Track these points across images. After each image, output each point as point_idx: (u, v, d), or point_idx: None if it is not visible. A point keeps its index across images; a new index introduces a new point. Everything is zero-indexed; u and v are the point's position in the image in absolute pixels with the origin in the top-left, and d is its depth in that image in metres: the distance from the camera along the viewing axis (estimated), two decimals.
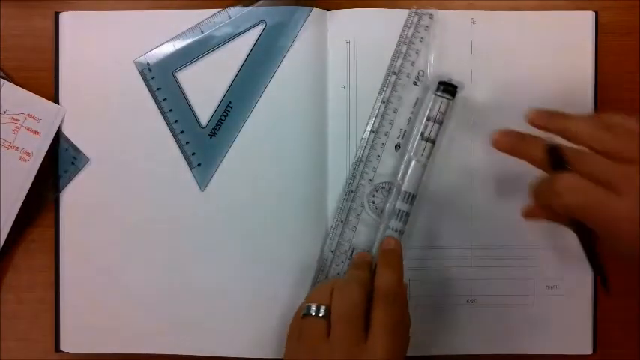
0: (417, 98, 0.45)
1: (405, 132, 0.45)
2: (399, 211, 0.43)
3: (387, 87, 0.45)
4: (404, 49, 0.45)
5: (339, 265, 0.44)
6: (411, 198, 0.43)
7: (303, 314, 0.38)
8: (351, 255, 0.44)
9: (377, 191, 0.44)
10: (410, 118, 0.45)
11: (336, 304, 0.37)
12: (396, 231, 0.43)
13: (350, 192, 0.45)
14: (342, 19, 0.45)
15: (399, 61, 0.45)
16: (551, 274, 0.45)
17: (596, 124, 0.35)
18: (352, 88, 0.45)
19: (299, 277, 0.45)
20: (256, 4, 0.45)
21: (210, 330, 0.45)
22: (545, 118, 0.37)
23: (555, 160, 0.36)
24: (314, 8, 0.45)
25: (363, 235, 0.45)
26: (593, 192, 0.34)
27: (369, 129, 0.45)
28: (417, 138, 0.44)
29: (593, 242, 0.37)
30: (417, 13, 0.44)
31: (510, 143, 0.38)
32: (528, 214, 0.41)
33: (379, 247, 0.42)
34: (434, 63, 0.45)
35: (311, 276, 0.45)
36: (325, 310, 0.37)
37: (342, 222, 0.45)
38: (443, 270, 0.45)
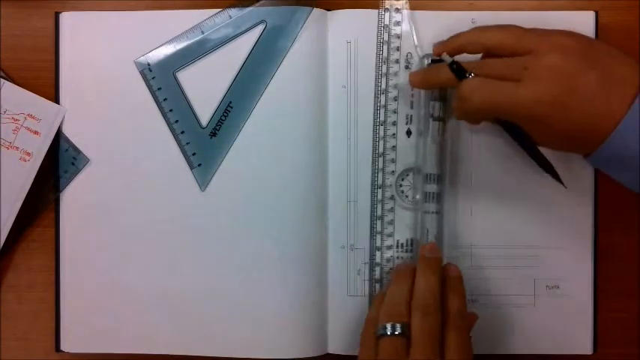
0: None
1: (411, 116, 0.45)
2: (429, 193, 0.43)
3: (380, 77, 0.45)
4: (385, 36, 0.45)
5: (389, 262, 0.45)
6: (436, 178, 0.43)
7: (380, 334, 0.38)
8: (399, 247, 0.45)
9: (402, 180, 0.45)
10: (411, 101, 0.45)
11: (418, 324, 0.37)
12: (433, 213, 0.43)
13: (377, 188, 0.45)
14: (343, 19, 0.45)
15: (385, 50, 0.45)
16: (552, 274, 0.45)
17: (481, 29, 0.39)
18: (352, 88, 0.45)
19: (299, 277, 0.45)
20: (257, 4, 0.45)
21: (210, 330, 0.45)
22: (442, 45, 0.42)
23: (458, 73, 0.39)
24: (314, 8, 0.45)
25: (403, 226, 0.45)
26: (492, 86, 0.37)
27: (377, 123, 0.45)
28: (425, 119, 0.44)
29: (526, 138, 0.39)
30: None
31: (421, 78, 0.42)
32: (471, 127, 0.44)
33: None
34: (418, 43, 0.45)
35: (311, 276, 0.45)
36: (401, 328, 0.37)
37: (379, 218, 0.45)
38: None
